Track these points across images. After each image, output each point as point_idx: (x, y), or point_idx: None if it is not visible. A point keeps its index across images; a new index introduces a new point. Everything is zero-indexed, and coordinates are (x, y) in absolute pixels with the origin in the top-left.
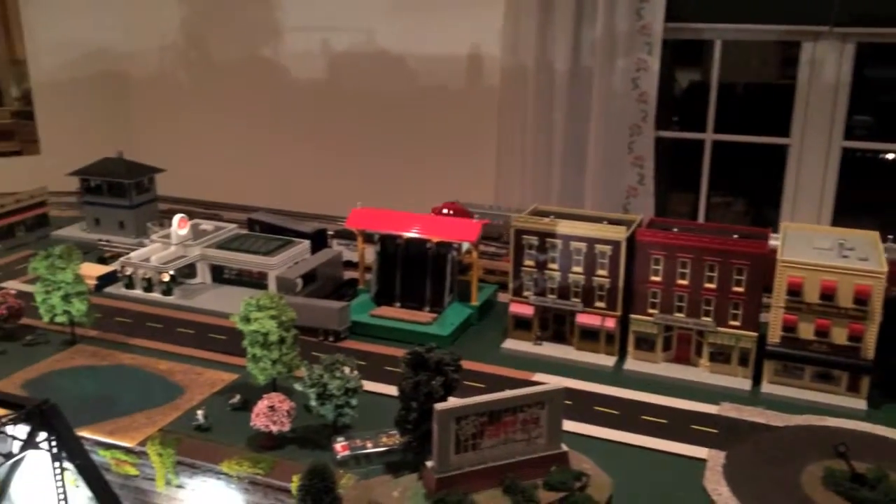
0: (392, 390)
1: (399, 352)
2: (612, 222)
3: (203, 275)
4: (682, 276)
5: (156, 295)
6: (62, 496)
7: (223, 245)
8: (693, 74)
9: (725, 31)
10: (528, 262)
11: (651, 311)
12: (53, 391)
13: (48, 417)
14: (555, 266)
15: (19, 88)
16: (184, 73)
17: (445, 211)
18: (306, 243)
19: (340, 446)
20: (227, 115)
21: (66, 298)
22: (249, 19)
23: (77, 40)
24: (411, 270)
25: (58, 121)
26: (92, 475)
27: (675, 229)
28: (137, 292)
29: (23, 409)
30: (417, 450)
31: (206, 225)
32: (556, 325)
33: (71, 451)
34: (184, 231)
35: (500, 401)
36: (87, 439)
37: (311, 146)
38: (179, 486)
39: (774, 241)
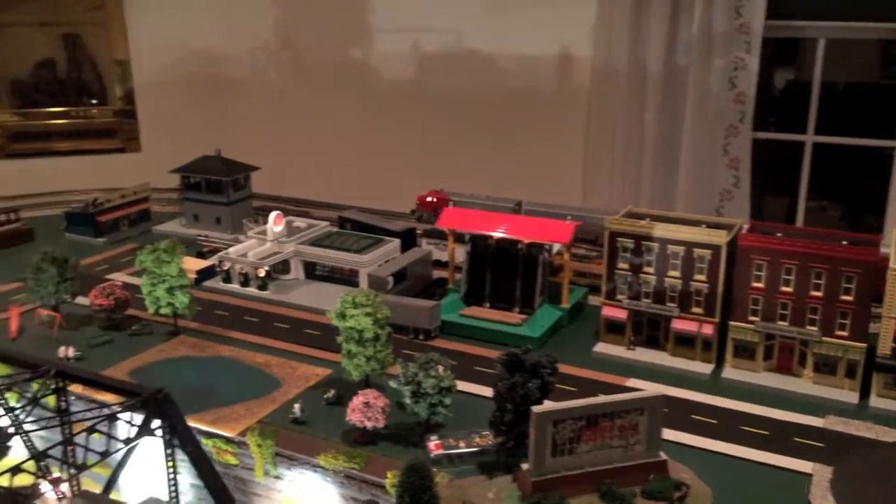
0: (483, 390)
1: (489, 352)
2: (709, 226)
3: (296, 271)
4: (787, 282)
5: (252, 289)
6: (173, 482)
7: (316, 242)
8: (789, 73)
9: (829, 30)
10: (622, 265)
11: (752, 318)
12: (158, 380)
13: (162, 406)
14: (650, 269)
15: (123, 88)
16: (276, 75)
17: (430, 199)
18: (396, 242)
19: (434, 445)
20: (317, 115)
21: (170, 291)
22: (341, 21)
23: (177, 42)
24: (501, 271)
25: (158, 120)
26: (202, 462)
27: (779, 234)
28: (234, 286)
29: (139, 398)
30: (511, 452)
31: (300, 222)
32: (649, 330)
33: (183, 438)
34: (279, 228)
35: (598, 405)
36: (191, 428)
37: (399, 145)
38: (277, 477)
39: (885, 249)
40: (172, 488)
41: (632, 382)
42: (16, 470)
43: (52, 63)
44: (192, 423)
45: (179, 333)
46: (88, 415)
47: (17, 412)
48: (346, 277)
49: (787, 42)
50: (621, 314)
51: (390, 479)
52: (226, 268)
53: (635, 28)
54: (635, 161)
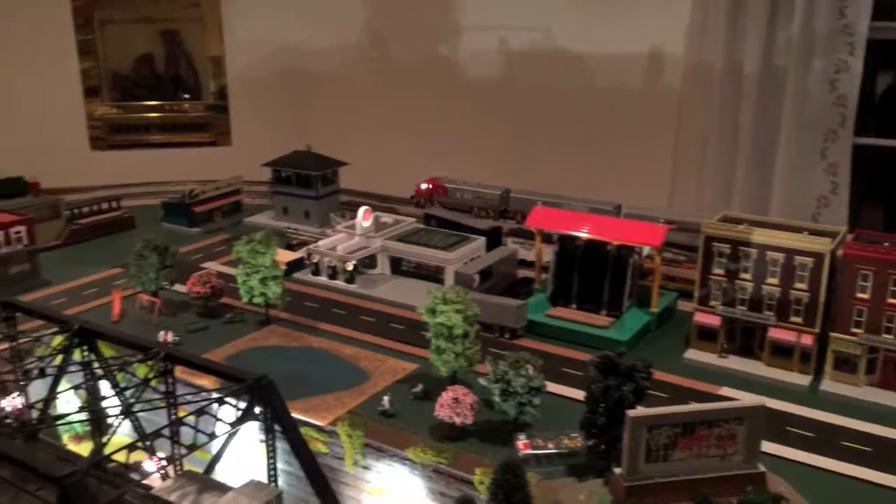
0: (569, 392)
1: (575, 353)
2: (810, 233)
3: (383, 266)
4: (894, 294)
5: (339, 282)
6: (272, 466)
7: (403, 238)
8: (889, 77)
9: None
10: (717, 271)
11: (855, 330)
12: (251, 368)
13: (266, 392)
14: (747, 276)
15: (216, 83)
16: (364, 72)
17: (424, 185)
18: (482, 240)
19: (522, 444)
20: (403, 112)
21: (263, 281)
22: (429, 20)
23: (269, 39)
24: (589, 272)
25: (248, 114)
26: (302, 449)
27: (886, 244)
28: (322, 279)
29: (244, 383)
30: (603, 455)
31: (387, 218)
32: (743, 338)
33: (284, 424)
34: (367, 223)
35: (696, 413)
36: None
37: (485, 144)
38: (366, 468)
39: None
40: (272, 472)
41: (724, 391)
42: (132, 447)
43: (150, 58)
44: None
45: (270, 323)
46: (194, 398)
47: (128, 393)
48: (432, 274)
49: (889, 44)
50: (714, 321)
51: (479, 476)
52: (314, 260)
53: (731, 27)
54: (727, 165)
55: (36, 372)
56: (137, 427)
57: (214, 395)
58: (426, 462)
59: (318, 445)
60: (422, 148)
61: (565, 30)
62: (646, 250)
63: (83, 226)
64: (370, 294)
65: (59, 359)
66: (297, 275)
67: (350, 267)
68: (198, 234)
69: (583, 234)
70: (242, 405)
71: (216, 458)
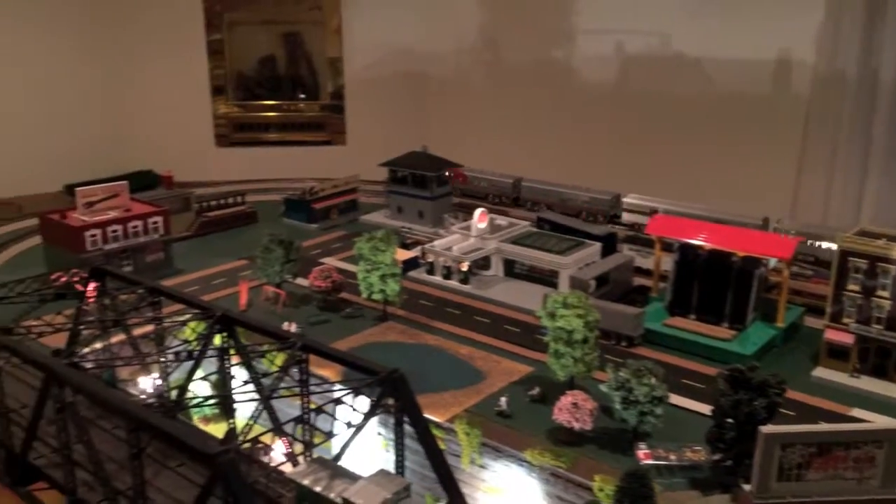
0: (689, 403)
1: (694, 365)
2: None
3: (496, 268)
4: None
5: (454, 283)
6: (400, 458)
7: (517, 241)
8: None
9: None
10: (852, 287)
11: None
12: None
13: (398, 385)
14: (885, 293)
15: (333, 84)
16: (478, 74)
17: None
18: (598, 245)
19: (643, 454)
20: (516, 116)
21: (382, 278)
22: (544, 24)
23: (386, 42)
24: (711, 283)
25: (363, 115)
26: (431, 442)
27: None
28: (437, 279)
29: (377, 376)
30: (729, 470)
31: (501, 220)
32: (878, 358)
33: (414, 417)
34: (483, 225)
35: (832, 433)
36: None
37: (599, 148)
38: (482, 467)
39: None
40: (399, 463)
41: (856, 412)
42: (277, 431)
43: (272, 59)
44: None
45: (387, 319)
46: (328, 388)
47: (265, 379)
48: (545, 277)
49: None
50: (847, 339)
51: (598, 483)
52: (430, 260)
53: (867, 33)
54: (858, 176)
55: (184, 354)
56: (271, 413)
57: (348, 386)
58: (544, 465)
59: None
60: (533, 150)
61: (684, 34)
62: (772, 262)
63: (211, 218)
64: (484, 295)
65: (195, 343)
66: (411, 273)
67: (465, 267)
68: (316, 231)
69: (706, 244)
70: (365, 398)
71: (344, 448)
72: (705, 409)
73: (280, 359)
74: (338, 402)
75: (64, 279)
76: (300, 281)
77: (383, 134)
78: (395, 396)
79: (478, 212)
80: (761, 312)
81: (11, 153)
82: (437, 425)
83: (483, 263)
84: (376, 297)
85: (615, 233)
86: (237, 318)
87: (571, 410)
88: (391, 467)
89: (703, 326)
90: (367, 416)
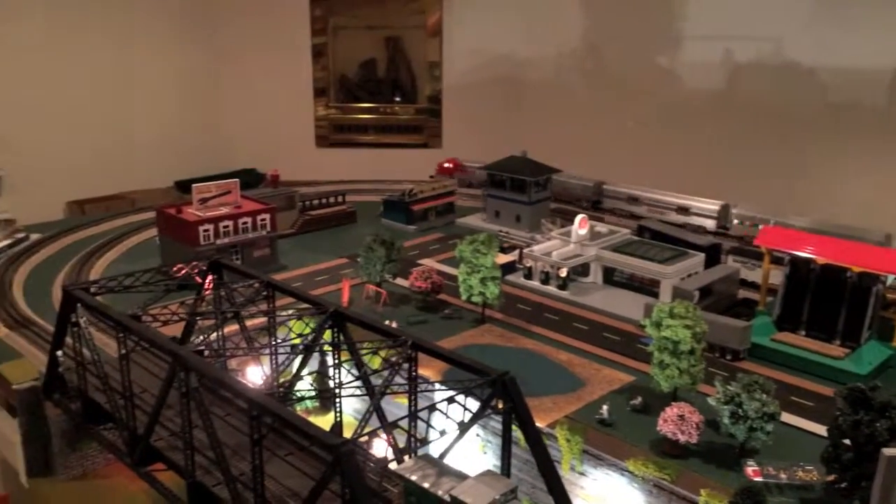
0: (798, 421)
1: (803, 382)
2: None
3: (595, 275)
4: None
5: (551, 288)
6: (507, 460)
7: (618, 248)
8: None
9: None
10: None
11: None
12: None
13: (507, 387)
14: None
15: (431, 88)
16: (578, 80)
17: (446, 165)
18: (701, 256)
19: (752, 471)
20: (615, 122)
21: (483, 281)
22: (649, 30)
23: (485, 47)
24: (823, 298)
25: (459, 119)
26: (540, 445)
27: None
28: (535, 283)
29: (487, 377)
30: (845, 493)
31: (601, 227)
32: None
33: (523, 421)
34: (583, 231)
35: None
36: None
37: (700, 156)
38: (582, 474)
39: None
40: (506, 466)
41: None
42: (392, 426)
43: (373, 63)
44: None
45: (485, 322)
46: (438, 387)
47: (374, 375)
48: (645, 286)
49: None
50: None
51: (704, 497)
52: (528, 265)
53: None
54: None
55: (299, 347)
56: (378, 409)
57: (460, 386)
58: (647, 476)
59: None
60: (632, 157)
61: (799, 41)
62: (890, 279)
63: (313, 217)
64: (582, 302)
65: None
66: (508, 277)
67: (563, 273)
68: (414, 232)
69: (819, 258)
70: (471, 399)
71: (450, 447)
72: (813, 427)
73: (384, 356)
74: (451, 400)
75: (185, 271)
76: (399, 281)
77: (478, 138)
78: (505, 398)
79: (579, 217)
80: (876, 331)
81: (126, 151)
82: (540, 430)
83: (581, 270)
84: (476, 299)
85: (719, 243)
86: (349, 314)
87: (677, 422)
88: (490, 468)
89: (813, 343)
90: (476, 416)
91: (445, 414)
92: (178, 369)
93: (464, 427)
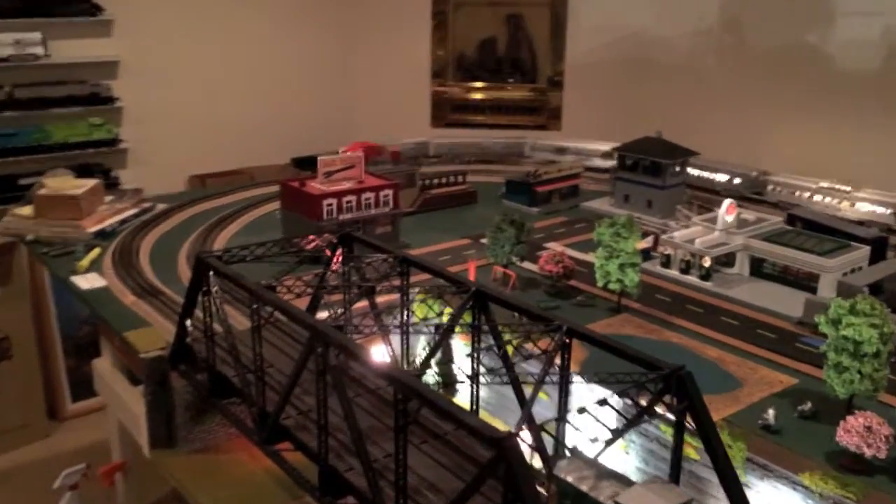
0: None
1: None
2: None
3: (741, 265)
4: None
5: (692, 278)
6: (677, 465)
7: (770, 238)
8: None
9: None
10: None
11: None
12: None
13: (683, 382)
14: None
15: (553, 68)
16: (713, 61)
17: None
18: (865, 249)
19: None
20: (753, 104)
21: (621, 267)
22: (795, 5)
23: (612, 25)
24: None
25: (581, 100)
26: (718, 449)
27: None
28: (673, 272)
29: (661, 371)
30: None
31: (748, 215)
32: None
33: (700, 421)
34: (731, 218)
35: None
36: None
37: (852, 143)
38: (745, 485)
39: None
40: (675, 472)
41: None
42: (561, 420)
43: (493, 41)
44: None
45: (621, 311)
46: (603, 380)
47: (521, 362)
48: (800, 280)
49: None
50: None
51: None
52: (666, 252)
53: None
54: None
55: (433, 328)
56: (519, 393)
57: (629, 380)
58: (826, 493)
59: (689, 450)
60: (771, 141)
61: None
62: None
63: (434, 196)
64: (728, 294)
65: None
66: (643, 265)
67: (707, 263)
68: (537, 214)
69: None
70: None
71: (608, 444)
72: None
73: (535, 343)
74: (622, 394)
75: (315, 243)
76: (526, 264)
77: (600, 120)
78: (678, 395)
79: (726, 203)
80: None
81: (245, 127)
82: (692, 432)
83: (726, 260)
84: (613, 286)
85: (885, 236)
86: (494, 294)
87: (863, 434)
88: (632, 473)
89: None
90: (642, 413)
91: (616, 410)
92: (317, 344)
93: (630, 424)
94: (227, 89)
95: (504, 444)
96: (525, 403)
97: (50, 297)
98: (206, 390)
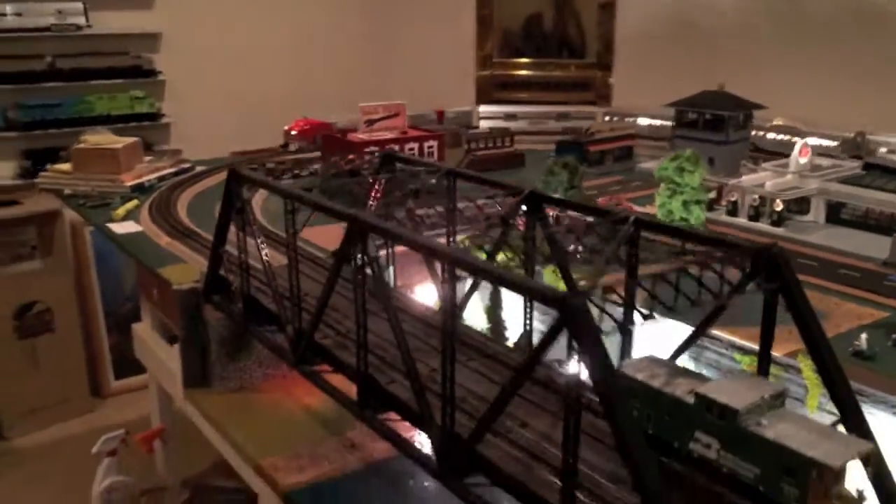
0: None
1: None
2: None
3: (817, 212)
4: None
5: (762, 225)
6: (766, 356)
7: (849, 181)
8: None
9: None
10: None
11: None
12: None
13: (776, 261)
14: None
15: (601, 43)
16: (768, 27)
17: (294, 132)
18: None
19: None
20: (811, 72)
21: (685, 205)
22: None
23: None
24: None
25: (631, 75)
26: (817, 333)
27: None
28: (741, 220)
29: (749, 248)
30: None
31: (822, 160)
32: None
33: (795, 301)
34: (804, 160)
35: None
36: (722, 340)
37: None
38: (831, 413)
39: None
40: (765, 363)
41: None
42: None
43: (539, 17)
44: (724, 335)
45: (687, 254)
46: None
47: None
48: (882, 225)
49: None
50: None
51: None
52: (733, 199)
53: None
54: None
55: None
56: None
57: (714, 256)
58: None
59: (770, 379)
60: (832, 107)
61: None
62: None
63: (479, 157)
64: (803, 239)
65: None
66: (708, 215)
67: (779, 206)
68: (590, 174)
69: None
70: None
71: (691, 339)
72: None
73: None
74: (703, 266)
75: (356, 162)
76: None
77: (653, 95)
78: (770, 274)
79: (799, 143)
80: None
81: (287, 104)
82: (774, 360)
83: (798, 208)
84: (677, 225)
85: None
86: (546, 195)
87: None
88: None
89: None
90: (732, 292)
91: (700, 282)
92: (356, 236)
93: (720, 305)
94: (269, 65)
95: (570, 303)
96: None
97: (93, 271)
98: (241, 317)
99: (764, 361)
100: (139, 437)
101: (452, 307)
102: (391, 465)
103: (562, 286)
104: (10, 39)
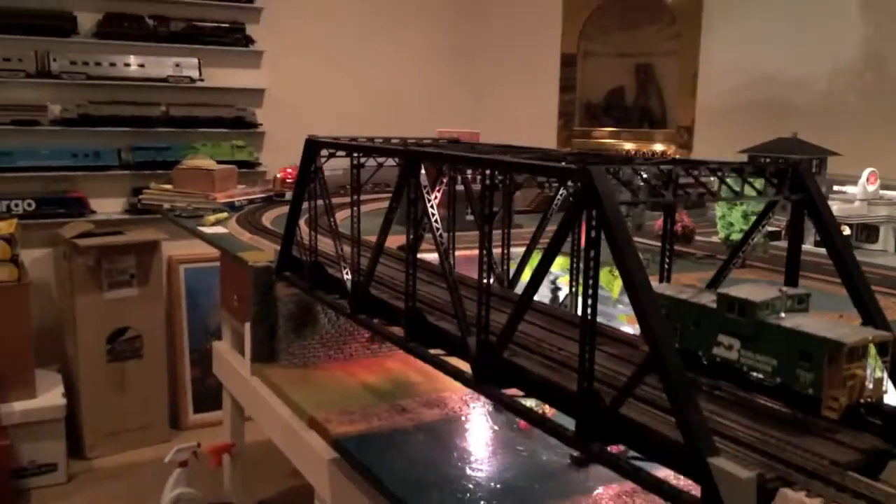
0: None
1: None
2: None
3: (886, 241)
4: None
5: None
6: (794, 266)
7: None
8: None
9: None
10: None
11: None
12: None
13: (799, 174)
14: None
15: (683, 115)
16: (854, 100)
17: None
18: None
19: None
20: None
21: (745, 217)
22: None
23: (745, 69)
24: None
25: (712, 146)
26: (838, 241)
27: None
28: (806, 245)
29: (769, 162)
30: None
31: (888, 192)
32: None
33: (817, 211)
34: (873, 188)
35: None
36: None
37: None
38: None
39: None
40: (793, 272)
41: None
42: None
43: (622, 90)
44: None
45: (744, 265)
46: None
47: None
48: None
49: None
50: None
51: None
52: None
53: None
54: None
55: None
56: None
57: (731, 165)
58: None
59: None
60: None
61: None
62: None
63: (550, 198)
64: (871, 261)
65: None
66: (772, 243)
67: (846, 231)
68: (654, 215)
69: None
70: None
71: (745, 242)
72: None
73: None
74: (732, 171)
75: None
76: (638, 238)
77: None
78: (794, 188)
79: (867, 171)
80: None
81: (371, 128)
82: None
83: (867, 236)
84: (735, 237)
85: None
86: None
87: None
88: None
89: None
90: (766, 210)
91: (725, 182)
92: (410, 171)
93: (756, 225)
94: (360, 122)
95: (588, 172)
96: None
97: (184, 305)
98: (308, 284)
99: (792, 272)
100: (209, 449)
101: (491, 218)
102: (438, 425)
103: (618, 284)
104: (132, 87)
